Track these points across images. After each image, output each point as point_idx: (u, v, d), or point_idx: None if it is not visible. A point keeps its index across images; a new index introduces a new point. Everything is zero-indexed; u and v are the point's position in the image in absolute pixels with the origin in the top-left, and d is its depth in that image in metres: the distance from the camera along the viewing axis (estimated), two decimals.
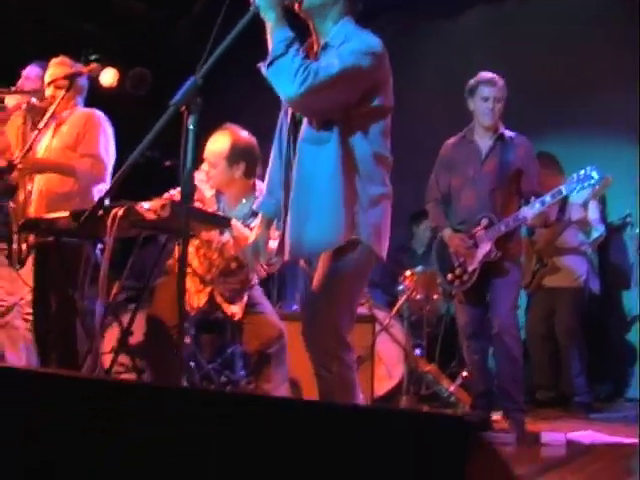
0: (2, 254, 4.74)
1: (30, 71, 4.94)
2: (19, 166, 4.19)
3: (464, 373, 5.51)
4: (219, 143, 3.97)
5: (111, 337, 4.96)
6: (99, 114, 4.57)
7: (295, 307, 5.69)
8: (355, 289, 2.86)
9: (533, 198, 4.49)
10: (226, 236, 3.93)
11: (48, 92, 4.53)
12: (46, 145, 4.47)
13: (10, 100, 4.70)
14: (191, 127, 2.44)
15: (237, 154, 3.95)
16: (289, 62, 2.56)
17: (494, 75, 4.65)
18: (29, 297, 4.64)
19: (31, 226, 3.87)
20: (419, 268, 5.87)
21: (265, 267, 3.19)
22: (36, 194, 4.42)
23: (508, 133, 4.67)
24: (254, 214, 3.92)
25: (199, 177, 4.06)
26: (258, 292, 4.16)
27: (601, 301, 6.15)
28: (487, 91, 4.60)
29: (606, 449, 4.17)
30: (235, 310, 4.02)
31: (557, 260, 5.82)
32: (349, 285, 2.80)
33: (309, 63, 2.59)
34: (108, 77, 4.55)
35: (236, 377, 6.21)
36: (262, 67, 2.65)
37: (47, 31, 6.76)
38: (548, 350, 5.85)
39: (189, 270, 4.07)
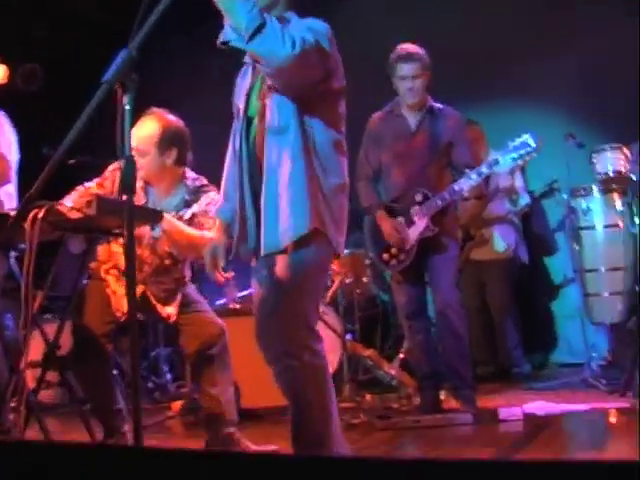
0: None
1: None
2: None
3: (401, 355, 5.37)
4: (147, 128, 3.62)
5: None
6: None
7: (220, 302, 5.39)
8: (319, 280, 2.80)
9: (467, 170, 4.35)
10: (157, 231, 3.60)
11: None
12: None
13: None
14: (127, 107, 2.15)
15: (168, 140, 3.61)
16: (273, 28, 2.45)
17: (413, 49, 4.45)
18: None
19: None
20: (345, 251, 5.66)
21: (223, 274, 2.89)
22: None
23: (437, 105, 4.51)
24: (187, 204, 3.67)
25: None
26: (192, 290, 3.86)
27: (528, 269, 6.09)
28: (406, 69, 4.42)
29: (561, 419, 4.11)
30: (170, 311, 3.70)
31: (485, 232, 5.72)
32: (314, 275, 2.71)
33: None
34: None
35: (163, 381, 5.91)
36: (230, 42, 2.54)
37: None
38: (482, 324, 5.75)
39: (115, 272, 3.74)
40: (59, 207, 2.94)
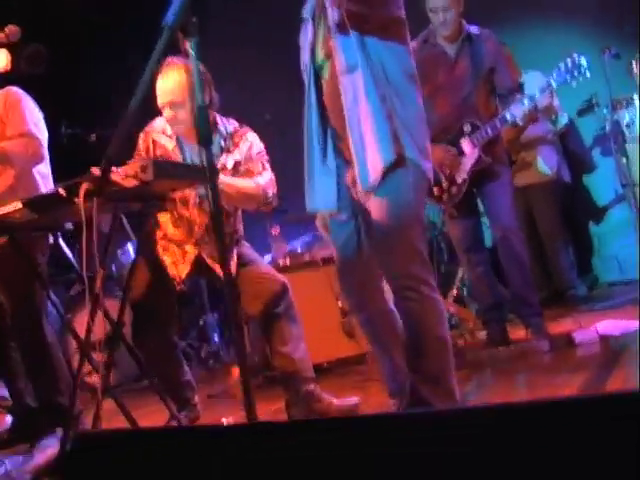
0: None
1: None
2: None
3: (454, 291, 5.25)
4: (175, 78, 3.39)
5: None
6: (16, 90, 3.95)
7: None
8: (420, 207, 2.69)
9: (517, 95, 4.16)
10: (203, 189, 3.43)
11: None
12: None
13: None
14: (192, 52, 1.97)
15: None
16: None
17: None
18: None
19: None
20: None
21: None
22: None
23: (473, 31, 4.30)
24: (224, 151, 3.49)
25: (156, 129, 3.56)
26: (247, 248, 3.70)
27: (571, 190, 5.92)
28: (432, 1, 4.21)
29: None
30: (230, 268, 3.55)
31: (526, 155, 5.55)
32: (414, 203, 2.64)
33: None
34: (2, 60, 3.95)
35: (214, 348, 5.81)
36: None
37: None
38: (533, 250, 5.59)
39: (163, 242, 3.60)
40: (113, 177, 2.75)
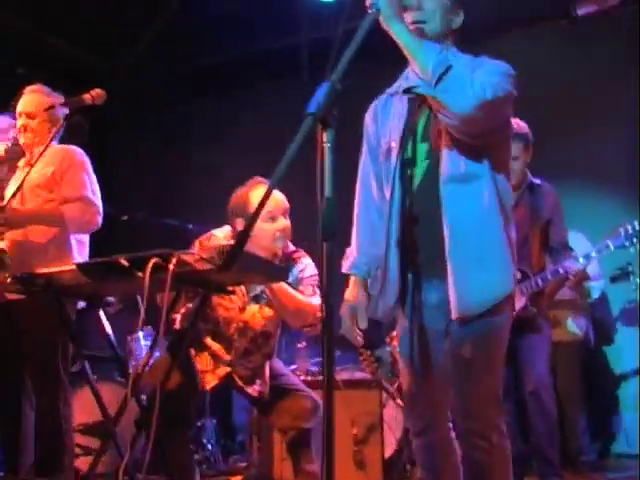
0: None
1: (0, 123, 4.28)
2: None
3: None
4: (278, 193, 3.50)
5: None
6: (79, 150, 4.00)
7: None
8: (505, 345, 2.48)
9: (577, 253, 4.16)
10: (248, 312, 3.40)
11: (19, 123, 3.96)
12: (17, 187, 3.78)
13: None
14: (328, 144, 1.92)
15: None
16: (460, 74, 2.25)
17: (517, 126, 4.09)
18: None
19: (23, 282, 3.15)
20: None
21: (361, 335, 2.64)
22: (10, 245, 3.76)
23: (536, 181, 4.32)
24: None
25: (219, 237, 3.51)
26: (278, 362, 3.65)
27: (593, 354, 5.85)
28: (516, 150, 4.06)
29: None
30: (262, 388, 3.50)
31: (558, 313, 5.47)
32: (504, 344, 2.46)
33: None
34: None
35: (209, 454, 5.57)
36: (416, 89, 2.34)
37: None
38: None
39: (198, 345, 3.53)
40: (184, 256, 2.66)
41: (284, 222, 3.45)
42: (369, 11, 2.23)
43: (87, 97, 3.53)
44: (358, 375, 4.96)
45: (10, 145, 3.91)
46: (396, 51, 2.37)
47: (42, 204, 3.82)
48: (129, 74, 7.36)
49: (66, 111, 3.80)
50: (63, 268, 3.03)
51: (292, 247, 3.58)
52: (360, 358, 4.83)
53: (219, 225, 3.65)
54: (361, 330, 2.63)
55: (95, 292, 3.19)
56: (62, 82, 5.54)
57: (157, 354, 3.98)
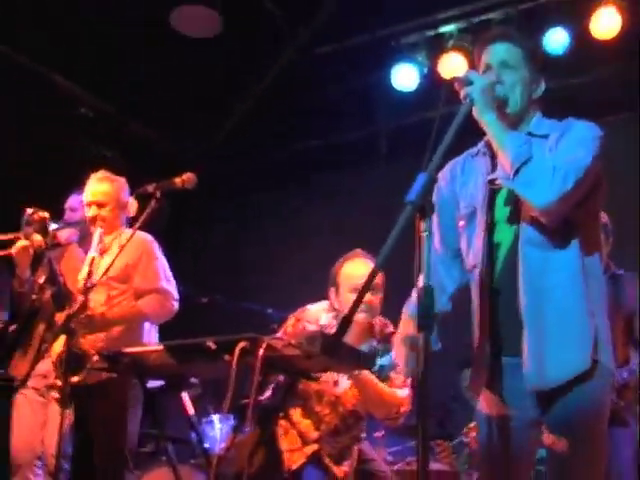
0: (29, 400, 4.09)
1: (73, 201, 4.48)
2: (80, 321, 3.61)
3: None
4: (369, 266, 3.43)
5: None
6: (148, 239, 4.06)
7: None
8: (604, 428, 2.34)
9: None
10: (341, 387, 3.37)
11: (89, 213, 4.03)
12: (85, 277, 3.79)
13: (62, 235, 4.17)
14: (426, 233, 1.94)
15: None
16: (540, 166, 2.24)
17: (605, 217, 4.03)
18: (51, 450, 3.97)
19: (109, 360, 3.20)
20: None
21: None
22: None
23: (618, 271, 4.25)
24: (375, 354, 3.43)
25: (308, 317, 3.52)
26: (367, 445, 3.56)
27: None
28: None
29: None
30: (349, 470, 3.42)
31: None
32: (602, 422, 2.32)
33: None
34: (132, 207, 4.14)
35: None
36: (500, 179, 2.35)
37: (68, 159, 6.34)
38: None
39: (284, 423, 3.48)
40: (272, 341, 2.67)
41: (369, 296, 3.42)
42: (463, 102, 2.28)
43: (178, 181, 3.59)
44: (435, 466, 4.85)
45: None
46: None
47: (113, 297, 3.89)
48: (208, 161, 7.55)
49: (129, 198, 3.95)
50: (150, 348, 3.08)
51: (391, 326, 3.53)
52: (437, 449, 4.73)
53: (294, 310, 3.67)
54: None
55: (179, 373, 3.21)
56: (143, 166, 5.77)
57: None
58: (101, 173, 4.15)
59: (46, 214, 3.91)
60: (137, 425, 3.82)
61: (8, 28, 5.71)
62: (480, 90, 2.28)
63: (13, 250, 3.86)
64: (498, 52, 2.46)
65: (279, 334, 3.53)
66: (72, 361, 3.36)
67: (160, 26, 5.89)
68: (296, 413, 3.48)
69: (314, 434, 3.43)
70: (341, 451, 3.46)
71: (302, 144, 7.25)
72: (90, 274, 3.71)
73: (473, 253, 2.46)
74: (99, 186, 4.08)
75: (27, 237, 3.85)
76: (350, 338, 3.43)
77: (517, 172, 2.23)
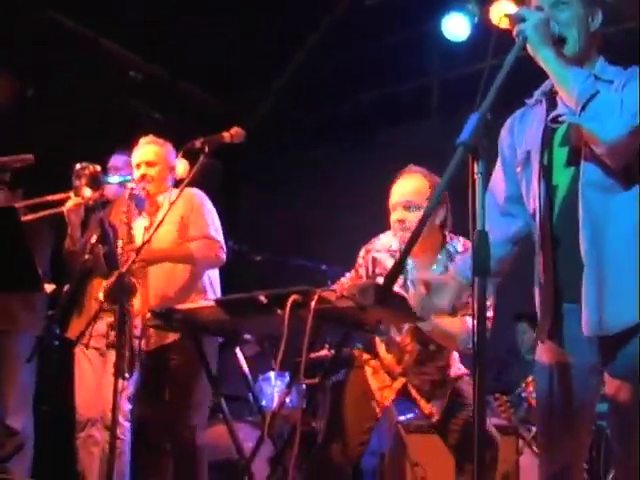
0: (89, 359, 4.14)
1: (116, 160, 4.52)
2: (135, 260, 3.60)
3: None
4: (416, 183, 3.33)
5: None
6: (200, 193, 4.14)
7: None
8: None
9: None
10: None
11: (138, 172, 4.08)
12: (144, 234, 3.93)
13: (110, 190, 4.18)
14: (479, 175, 1.87)
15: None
16: (607, 101, 2.15)
17: None
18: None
19: (163, 317, 3.21)
20: None
21: None
22: (152, 292, 3.87)
23: None
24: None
25: (378, 247, 3.44)
26: (468, 385, 3.34)
27: None
28: None
29: None
30: (434, 409, 3.30)
31: None
32: None
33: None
34: (181, 168, 4.16)
35: None
36: (565, 116, 2.25)
37: (114, 120, 6.37)
38: None
39: (375, 363, 3.42)
40: (325, 294, 2.64)
41: (400, 214, 3.28)
42: (516, 39, 2.19)
43: (226, 135, 3.56)
44: (493, 421, 4.79)
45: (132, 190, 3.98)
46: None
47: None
48: (259, 119, 7.50)
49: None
50: (202, 304, 3.10)
51: (462, 240, 3.34)
52: (495, 403, 4.67)
53: (348, 266, 3.61)
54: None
55: (233, 329, 3.23)
56: (193, 126, 5.75)
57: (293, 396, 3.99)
58: (150, 137, 4.22)
59: (97, 167, 3.91)
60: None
61: None
62: (534, 25, 2.18)
63: (64, 208, 3.87)
64: None
65: (345, 277, 3.47)
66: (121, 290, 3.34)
67: None
68: (381, 348, 3.37)
69: (398, 368, 3.33)
70: (432, 386, 3.32)
71: (354, 99, 7.16)
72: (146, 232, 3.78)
73: (532, 197, 2.38)
74: (148, 147, 4.15)
75: (77, 192, 3.85)
76: (426, 253, 3.33)
77: (584, 107, 2.14)
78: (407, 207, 3.27)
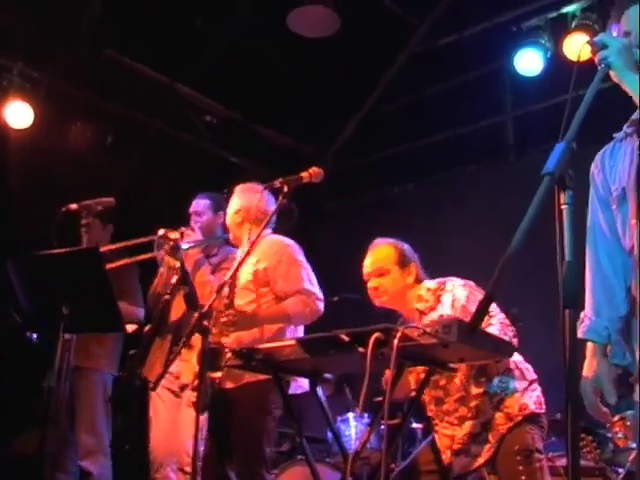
0: (163, 400, 4.17)
1: (197, 204, 4.44)
2: (222, 320, 3.60)
3: None
4: (382, 251, 3.57)
5: None
6: (289, 241, 3.96)
7: None
8: None
9: None
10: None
11: (233, 220, 4.04)
12: (229, 282, 3.74)
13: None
14: (565, 205, 1.83)
15: (406, 256, 3.54)
16: None
17: None
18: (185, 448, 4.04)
19: (243, 357, 3.19)
20: (629, 412, 5.00)
21: (607, 411, 2.40)
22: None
23: None
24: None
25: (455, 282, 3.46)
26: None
27: None
28: None
29: None
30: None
31: None
32: None
33: None
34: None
35: None
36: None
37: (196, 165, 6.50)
38: None
39: (435, 409, 3.44)
40: (407, 330, 2.60)
41: (373, 282, 3.52)
42: (599, 66, 2.15)
43: (305, 175, 3.53)
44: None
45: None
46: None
47: (256, 299, 3.83)
48: (333, 160, 7.56)
49: None
50: (283, 343, 3.06)
51: (433, 282, 3.48)
52: (581, 443, 4.52)
53: None
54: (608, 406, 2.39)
55: (313, 368, 3.18)
56: (271, 170, 5.80)
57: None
58: (249, 185, 4.12)
59: (177, 235, 3.94)
60: (276, 426, 3.79)
61: (129, 39, 5.90)
62: (617, 51, 2.14)
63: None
64: (636, 16, 2.30)
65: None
66: (210, 357, 3.35)
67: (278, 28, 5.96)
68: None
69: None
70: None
71: (426, 138, 7.15)
72: (234, 275, 3.72)
73: (629, 234, 2.30)
74: (247, 197, 4.06)
75: (161, 259, 3.93)
76: (408, 308, 3.48)
77: None
78: (379, 274, 3.49)
